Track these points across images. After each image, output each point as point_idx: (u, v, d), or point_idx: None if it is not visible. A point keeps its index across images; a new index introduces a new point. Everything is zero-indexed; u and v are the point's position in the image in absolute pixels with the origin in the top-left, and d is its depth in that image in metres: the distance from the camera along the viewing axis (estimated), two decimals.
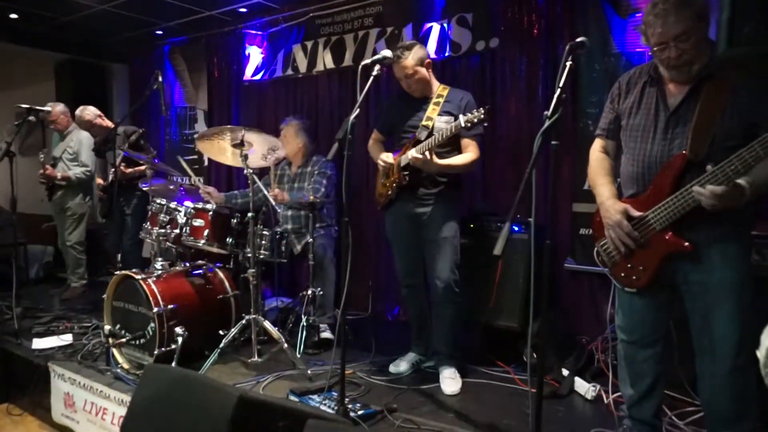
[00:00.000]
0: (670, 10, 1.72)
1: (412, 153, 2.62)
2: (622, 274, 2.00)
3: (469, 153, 2.74)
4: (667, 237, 1.84)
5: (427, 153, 2.57)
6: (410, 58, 2.72)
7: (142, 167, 4.06)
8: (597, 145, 2.16)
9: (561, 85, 1.71)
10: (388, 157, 2.80)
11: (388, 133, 3.03)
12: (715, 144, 1.76)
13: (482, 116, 2.40)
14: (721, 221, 1.78)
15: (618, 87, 2.05)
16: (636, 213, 1.90)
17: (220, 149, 3.24)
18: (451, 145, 2.73)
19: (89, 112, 4.44)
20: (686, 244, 1.81)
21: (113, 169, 3.96)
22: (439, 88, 2.84)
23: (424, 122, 2.74)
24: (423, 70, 2.77)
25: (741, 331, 1.79)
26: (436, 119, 2.73)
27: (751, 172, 1.67)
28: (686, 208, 1.78)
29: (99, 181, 4.55)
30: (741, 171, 1.66)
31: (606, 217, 1.98)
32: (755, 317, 1.77)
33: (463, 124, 2.43)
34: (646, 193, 1.91)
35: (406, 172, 2.73)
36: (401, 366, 2.95)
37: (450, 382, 2.72)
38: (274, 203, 3.43)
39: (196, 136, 5.53)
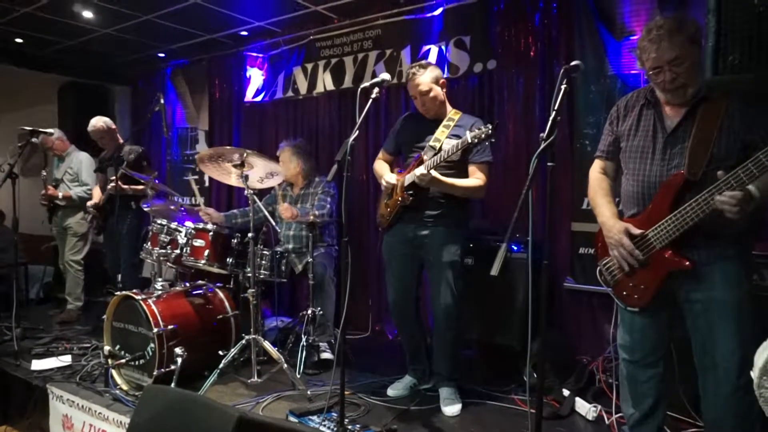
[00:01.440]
0: (663, 35, 1.77)
1: (419, 170, 2.59)
2: (625, 293, 2.01)
3: (475, 179, 2.72)
4: (667, 255, 1.86)
5: (432, 171, 2.54)
6: (425, 76, 2.71)
7: (139, 186, 4.06)
8: (596, 165, 2.20)
9: (556, 107, 1.75)
10: (391, 178, 2.79)
11: (395, 152, 3.01)
12: (712, 164, 1.79)
13: (489, 131, 2.38)
14: (721, 240, 1.80)
15: (616, 110, 2.10)
16: (636, 231, 1.92)
17: (222, 169, 3.27)
18: (458, 169, 2.71)
19: (104, 122, 4.40)
20: (687, 262, 1.83)
21: (111, 185, 3.93)
22: (451, 113, 2.83)
23: (432, 143, 2.72)
24: (438, 89, 2.76)
25: (743, 350, 1.79)
26: (444, 141, 2.71)
27: (757, 179, 1.66)
28: (685, 226, 1.80)
29: (91, 201, 4.43)
30: (746, 181, 1.65)
31: (608, 237, 2.00)
32: (757, 337, 1.78)
33: (470, 140, 2.42)
34: (646, 212, 1.93)
35: (411, 192, 2.70)
36: (398, 389, 2.91)
37: (449, 403, 2.70)
38: (273, 224, 3.45)
39: (196, 156, 5.60)
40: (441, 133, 2.74)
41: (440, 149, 2.67)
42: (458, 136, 2.67)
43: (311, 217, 3.37)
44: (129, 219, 4.30)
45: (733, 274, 1.83)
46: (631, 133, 2.00)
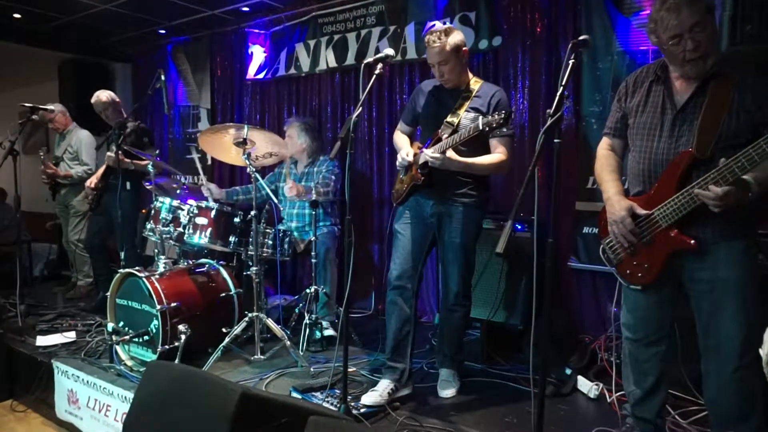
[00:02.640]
0: (682, 3, 1.72)
1: (428, 153, 2.47)
2: (628, 272, 2.00)
3: (496, 154, 2.57)
4: (672, 234, 1.85)
5: (448, 151, 2.43)
6: (448, 44, 2.49)
7: (142, 162, 3.90)
8: (604, 143, 2.17)
9: (563, 83, 1.72)
10: (408, 155, 2.63)
11: (413, 124, 2.86)
12: (721, 142, 1.76)
13: (501, 120, 2.28)
14: (728, 219, 1.78)
15: (625, 86, 2.06)
16: (642, 211, 1.90)
17: (223, 147, 3.24)
18: (476, 144, 2.54)
19: (107, 95, 4.21)
20: (692, 242, 1.81)
21: (109, 155, 3.82)
22: (471, 81, 2.66)
23: (449, 119, 2.59)
24: (458, 59, 2.56)
25: (747, 329, 1.79)
26: (462, 116, 2.56)
27: (756, 167, 1.66)
28: (692, 205, 1.78)
29: (91, 180, 4.22)
30: (747, 167, 1.66)
31: (611, 213, 1.98)
32: (761, 316, 1.78)
33: (480, 127, 2.31)
34: (652, 190, 1.91)
35: (424, 171, 2.57)
36: (374, 398, 2.52)
37: (446, 384, 2.69)
38: (276, 201, 3.44)
39: (198, 134, 5.56)
40: (459, 107, 2.60)
41: (458, 125, 2.55)
42: (476, 109, 2.55)
43: (314, 195, 3.34)
44: (126, 198, 4.02)
45: (738, 254, 1.82)
46: (639, 110, 1.97)
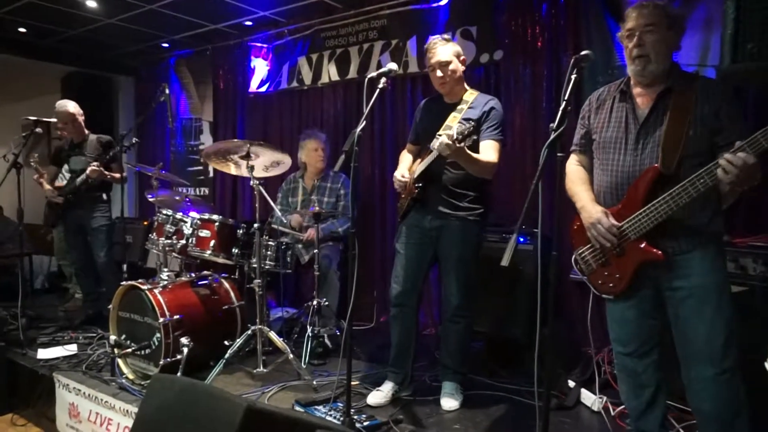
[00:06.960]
0: (645, 5, 1.89)
1: (435, 143, 2.36)
2: (599, 282, 2.05)
3: (488, 156, 2.56)
4: (641, 246, 1.89)
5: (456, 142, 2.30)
6: (447, 47, 2.60)
7: (116, 174, 3.81)
8: (572, 159, 2.22)
9: (566, 97, 1.74)
10: (403, 176, 2.69)
11: (417, 142, 2.87)
12: (685, 157, 1.81)
13: (470, 128, 2.29)
14: (699, 230, 1.85)
15: (588, 104, 2.13)
16: (613, 221, 1.93)
17: (227, 161, 3.26)
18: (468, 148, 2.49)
19: (74, 106, 3.96)
20: (659, 253, 1.85)
21: (93, 170, 3.71)
22: (467, 94, 2.69)
23: (442, 131, 2.57)
24: (458, 63, 2.62)
25: (726, 333, 1.83)
26: (455, 127, 2.50)
27: None
28: (659, 218, 1.83)
29: (47, 186, 3.97)
30: (709, 183, 1.71)
31: (586, 218, 2.03)
32: (736, 319, 1.84)
33: (455, 136, 2.27)
34: (620, 204, 1.95)
35: (419, 185, 2.64)
36: (379, 398, 2.69)
37: (449, 397, 2.68)
38: (279, 214, 3.45)
39: (202, 148, 5.58)
40: (452, 119, 2.60)
41: None
42: (468, 120, 2.52)
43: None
44: (96, 212, 3.98)
45: (711, 259, 1.87)
46: (604, 126, 2.03)
